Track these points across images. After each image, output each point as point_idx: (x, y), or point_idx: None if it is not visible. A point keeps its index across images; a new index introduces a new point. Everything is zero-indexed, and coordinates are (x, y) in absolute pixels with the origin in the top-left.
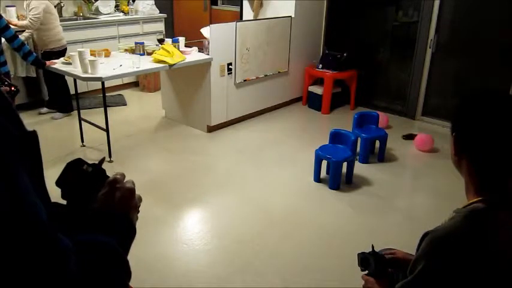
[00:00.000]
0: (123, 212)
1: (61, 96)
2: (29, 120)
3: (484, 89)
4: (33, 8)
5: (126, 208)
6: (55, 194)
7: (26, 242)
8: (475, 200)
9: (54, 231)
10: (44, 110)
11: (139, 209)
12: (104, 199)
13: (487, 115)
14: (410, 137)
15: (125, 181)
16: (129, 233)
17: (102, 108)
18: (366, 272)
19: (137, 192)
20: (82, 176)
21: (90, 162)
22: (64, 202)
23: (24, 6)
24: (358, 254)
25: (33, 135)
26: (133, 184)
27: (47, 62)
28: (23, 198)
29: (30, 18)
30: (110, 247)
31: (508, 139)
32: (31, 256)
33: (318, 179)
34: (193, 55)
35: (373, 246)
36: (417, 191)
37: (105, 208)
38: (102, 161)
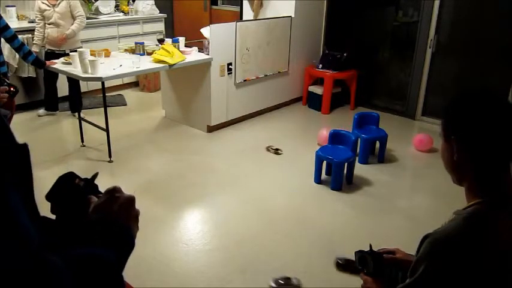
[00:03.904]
0: (122, 222)
1: (49, 94)
2: (29, 121)
3: (476, 89)
4: (76, 6)
5: (126, 218)
6: (48, 204)
7: (17, 263)
8: (475, 201)
9: (45, 251)
10: (42, 112)
11: (140, 216)
12: (102, 208)
13: (485, 116)
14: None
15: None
16: (127, 245)
17: (102, 108)
18: (365, 271)
19: (137, 192)
20: (73, 190)
21: (85, 174)
22: (52, 217)
23: (47, 7)
24: (356, 253)
25: (24, 148)
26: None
27: (47, 62)
28: (15, 220)
29: (79, 19)
30: (103, 262)
31: (501, 139)
32: (22, 278)
33: (318, 179)
34: (193, 55)
35: (371, 246)
36: (417, 191)
37: (103, 217)
38: (95, 176)
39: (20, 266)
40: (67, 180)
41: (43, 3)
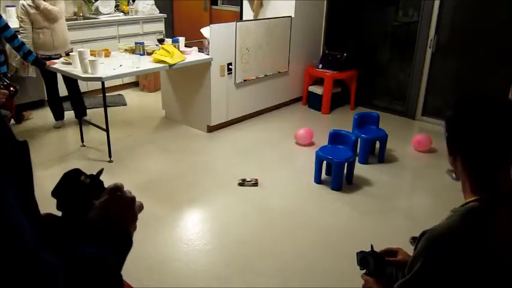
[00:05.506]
0: (120, 221)
1: (53, 105)
2: (29, 121)
3: (474, 91)
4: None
5: (125, 218)
6: (48, 203)
7: (6, 261)
8: (472, 199)
9: (38, 250)
10: (57, 123)
11: (140, 215)
12: (102, 207)
13: (476, 116)
14: None
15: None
16: (125, 245)
17: (102, 108)
18: (366, 271)
19: (137, 192)
20: (79, 187)
21: (88, 172)
22: (58, 213)
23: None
24: (357, 253)
25: (24, 146)
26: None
27: (47, 62)
28: (6, 216)
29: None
30: (102, 262)
31: (497, 138)
32: (11, 277)
33: (318, 179)
34: (193, 55)
35: (372, 246)
36: (417, 191)
37: (102, 217)
38: (100, 172)
39: (11, 264)
40: (73, 177)
41: (30, 6)
